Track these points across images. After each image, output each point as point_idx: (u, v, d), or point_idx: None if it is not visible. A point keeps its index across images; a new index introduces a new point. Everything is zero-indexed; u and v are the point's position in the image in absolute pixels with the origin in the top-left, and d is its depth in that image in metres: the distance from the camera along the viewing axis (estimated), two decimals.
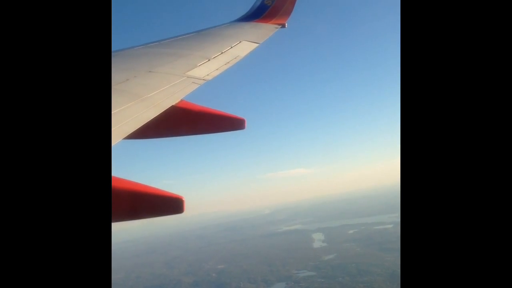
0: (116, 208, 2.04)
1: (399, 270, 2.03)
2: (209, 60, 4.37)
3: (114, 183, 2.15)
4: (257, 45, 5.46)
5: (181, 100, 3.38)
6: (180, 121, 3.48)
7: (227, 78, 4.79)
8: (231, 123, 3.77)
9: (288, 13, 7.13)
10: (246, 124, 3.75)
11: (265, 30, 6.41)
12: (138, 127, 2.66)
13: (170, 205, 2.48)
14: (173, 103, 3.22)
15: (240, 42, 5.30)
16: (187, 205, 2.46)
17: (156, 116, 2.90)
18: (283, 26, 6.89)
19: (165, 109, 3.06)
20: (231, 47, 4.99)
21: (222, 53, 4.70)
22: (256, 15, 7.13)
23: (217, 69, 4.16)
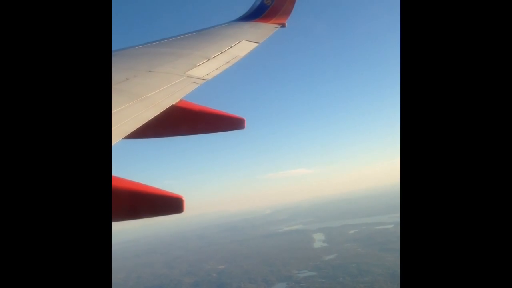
0: (116, 207, 2.04)
1: (399, 270, 2.02)
2: (209, 59, 4.37)
3: (114, 183, 2.15)
4: (257, 44, 5.46)
5: (181, 100, 3.38)
6: (180, 121, 3.48)
7: (227, 78, 4.79)
8: (231, 123, 3.77)
9: (288, 12, 7.14)
10: (246, 124, 3.75)
11: (264, 30, 6.41)
12: (138, 127, 2.66)
13: (170, 204, 2.48)
14: (173, 103, 3.23)
15: (239, 41, 5.30)
16: (187, 205, 2.46)
17: (156, 116, 2.90)
18: (283, 25, 6.89)
19: (165, 108, 3.06)
20: (231, 47, 5.00)
21: (222, 52, 4.71)
22: (255, 14, 7.13)
23: (217, 69, 4.16)
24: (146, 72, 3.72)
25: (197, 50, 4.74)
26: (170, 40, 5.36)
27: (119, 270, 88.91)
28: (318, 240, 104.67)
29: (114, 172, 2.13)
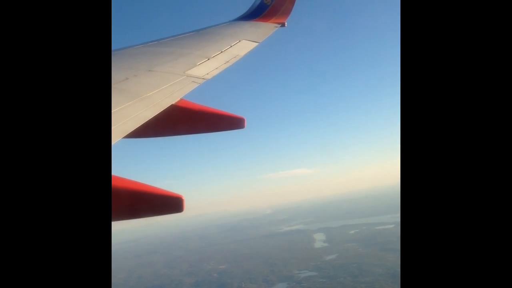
0: (116, 207, 2.04)
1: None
2: (208, 59, 4.37)
3: (114, 182, 2.15)
4: (256, 44, 5.46)
5: (181, 99, 3.38)
6: (179, 120, 3.48)
7: (226, 77, 4.80)
8: (231, 122, 3.77)
9: (287, 12, 7.14)
10: (246, 123, 3.75)
11: (264, 29, 6.41)
12: (138, 126, 2.66)
13: (169, 204, 2.48)
14: (173, 102, 3.23)
15: (239, 41, 5.30)
16: (187, 205, 2.45)
17: (156, 115, 2.90)
18: (282, 25, 6.89)
19: (164, 108, 3.06)
20: (231, 46, 4.99)
21: (221, 52, 4.71)
22: (255, 14, 7.13)
23: (216, 68, 4.16)
24: (146, 71, 3.72)
25: (197, 49, 4.74)
26: (170, 40, 5.36)
27: (120, 270, 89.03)
28: (319, 240, 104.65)
29: (114, 172, 2.13)
